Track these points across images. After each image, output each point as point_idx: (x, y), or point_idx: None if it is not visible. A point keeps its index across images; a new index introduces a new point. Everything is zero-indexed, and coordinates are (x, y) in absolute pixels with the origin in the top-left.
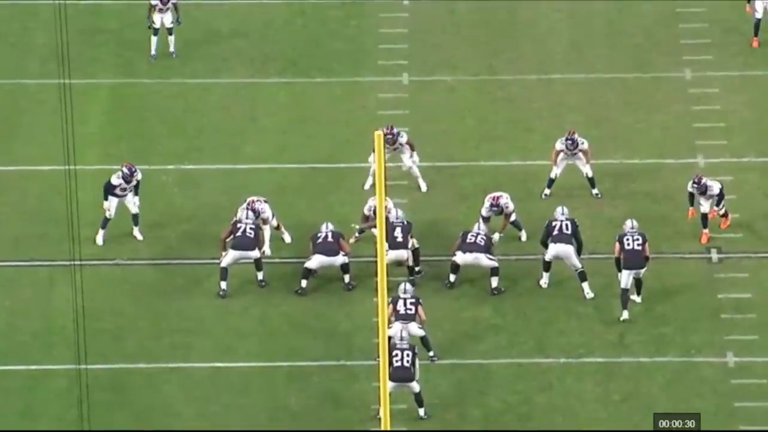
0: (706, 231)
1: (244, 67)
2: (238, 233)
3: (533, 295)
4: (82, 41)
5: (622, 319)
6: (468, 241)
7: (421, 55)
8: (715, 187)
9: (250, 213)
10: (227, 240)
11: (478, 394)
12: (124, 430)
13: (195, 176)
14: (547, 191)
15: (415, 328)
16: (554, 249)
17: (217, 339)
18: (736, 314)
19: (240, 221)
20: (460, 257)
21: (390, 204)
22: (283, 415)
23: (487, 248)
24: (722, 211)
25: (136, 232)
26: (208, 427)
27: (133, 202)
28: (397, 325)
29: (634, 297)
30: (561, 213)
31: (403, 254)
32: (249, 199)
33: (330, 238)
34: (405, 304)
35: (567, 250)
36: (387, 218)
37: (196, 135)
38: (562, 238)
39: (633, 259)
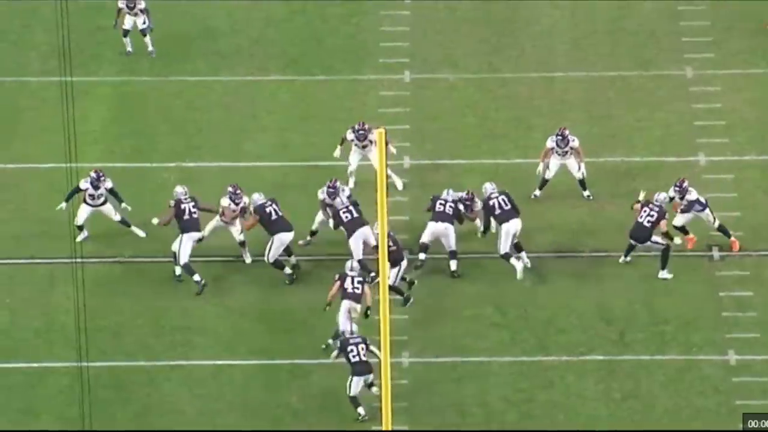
0: (691, 236)
1: (245, 65)
2: (185, 216)
3: (534, 294)
4: (84, 39)
5: (621, 261)
6: (437, 209)
7: (423, 52)
8: (693, 193)
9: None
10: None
11: (480, 393)
12: (125, 429)
13: (196, 174)
14: (537, 192)
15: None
16: (434, 227)
17: (218, 337)
18: (738, 312)
19: (182, 202)
20: (432, 227)
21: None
22: (284, 412)
23: (456, 216)
24: (716, 224)
25: (135, 230)
26: (209, 425)
27: (113, 213)
28: (345, 304)
29: (663, 274)
30: (492, 188)
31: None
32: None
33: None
34: (353, 283)
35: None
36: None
37: (197, 133)
38: (507, 215)
39: (637, 232)
